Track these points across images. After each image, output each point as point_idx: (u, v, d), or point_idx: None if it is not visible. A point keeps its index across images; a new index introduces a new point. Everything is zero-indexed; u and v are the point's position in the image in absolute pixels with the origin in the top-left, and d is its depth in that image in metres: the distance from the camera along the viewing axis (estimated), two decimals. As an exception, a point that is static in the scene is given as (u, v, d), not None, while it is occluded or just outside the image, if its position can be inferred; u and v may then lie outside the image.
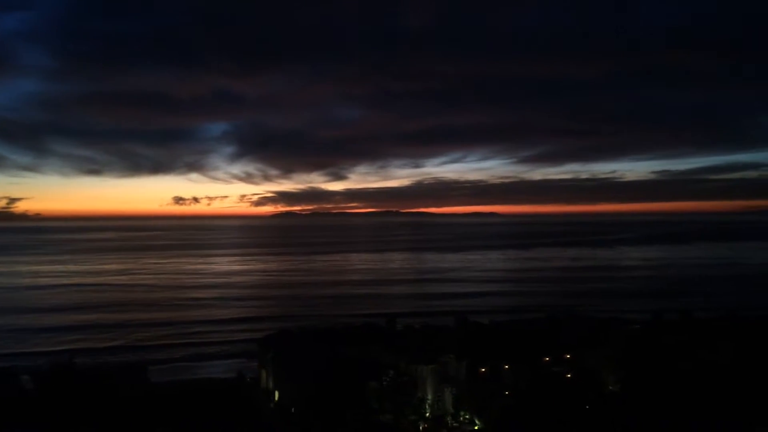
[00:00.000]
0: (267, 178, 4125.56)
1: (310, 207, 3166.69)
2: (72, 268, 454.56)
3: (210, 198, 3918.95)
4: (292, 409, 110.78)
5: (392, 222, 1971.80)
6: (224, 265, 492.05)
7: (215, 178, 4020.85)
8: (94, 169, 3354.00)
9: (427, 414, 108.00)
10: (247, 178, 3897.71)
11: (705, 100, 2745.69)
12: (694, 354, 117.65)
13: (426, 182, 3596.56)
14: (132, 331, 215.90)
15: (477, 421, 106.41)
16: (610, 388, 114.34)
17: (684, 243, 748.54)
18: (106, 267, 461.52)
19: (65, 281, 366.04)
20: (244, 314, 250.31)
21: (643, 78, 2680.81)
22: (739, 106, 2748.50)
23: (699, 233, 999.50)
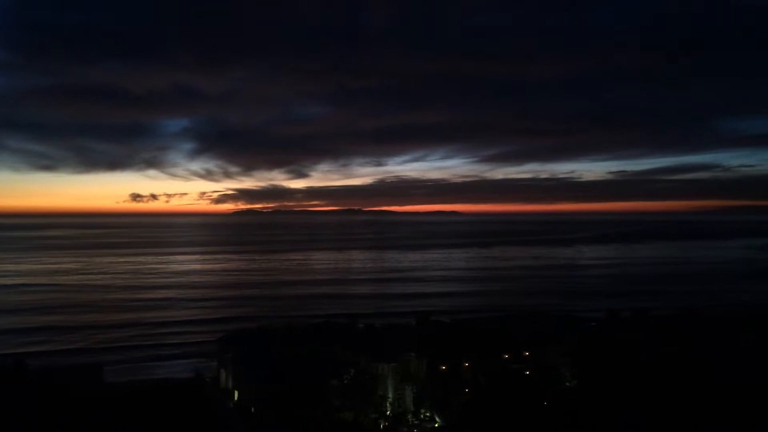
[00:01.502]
0: (227, 175, 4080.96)
1: (271, 205, 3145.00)
2: (24, 267, 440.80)
3: (168, 195, 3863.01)
4: (252, 409, 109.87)
5: (354, 220, 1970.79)
6: (183, 264, 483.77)
7: (174, 175, 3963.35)
8: (48, 164, 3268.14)
9: (388, 412, 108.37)
10: (207, 175, 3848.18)
11: (660, 101, 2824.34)
12: (647, 350, 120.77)
13: (388, 181, 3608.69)
14: (88, 334, 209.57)
15: (437, 418, 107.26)
16: (567, 383, 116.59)
17: (639, 242, 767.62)
18: (61, 266, 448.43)
19: (18, 281, 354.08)
20: (204, 315, 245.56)
21: (601, 79, 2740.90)
22: (693, 109, 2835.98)
23: (653, 232, 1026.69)
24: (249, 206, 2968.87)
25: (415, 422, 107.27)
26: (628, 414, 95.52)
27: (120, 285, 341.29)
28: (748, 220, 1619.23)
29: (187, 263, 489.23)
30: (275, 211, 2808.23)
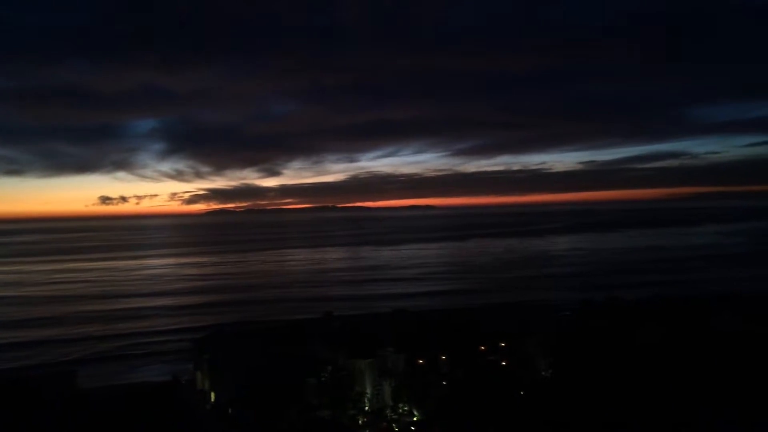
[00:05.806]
0: (199, 175, 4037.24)
1: (244, 204, 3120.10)
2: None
3: (139, 197, 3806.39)
4: (229, 410, 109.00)
5: (328, 217, 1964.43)
6: (155, 268, 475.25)
7: (144, 177, 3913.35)
8: (14, 168, 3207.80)
9: (367, 407, 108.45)
10: (178, 176, 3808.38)
11: (629, 92, 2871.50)
12: (621, 337, 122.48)
13: (361, 176, 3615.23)
14: (58, 347, 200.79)
15: (416, 412, 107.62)
16: (543, 373, 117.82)
17: (610, 230, 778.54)
18: (29, 276, 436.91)
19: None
20: (178, 325, 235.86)
21: (570, 72, 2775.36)
22: (661, 99, 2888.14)
23: (624, 221, 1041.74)
24: (221, 206, 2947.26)
25: (394, 417, 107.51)
26: (605, 401, 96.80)
27: (91, 294, 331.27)
28: (717, 206, 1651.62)
29: (158, 267, 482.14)
30: (248, 211, 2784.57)
